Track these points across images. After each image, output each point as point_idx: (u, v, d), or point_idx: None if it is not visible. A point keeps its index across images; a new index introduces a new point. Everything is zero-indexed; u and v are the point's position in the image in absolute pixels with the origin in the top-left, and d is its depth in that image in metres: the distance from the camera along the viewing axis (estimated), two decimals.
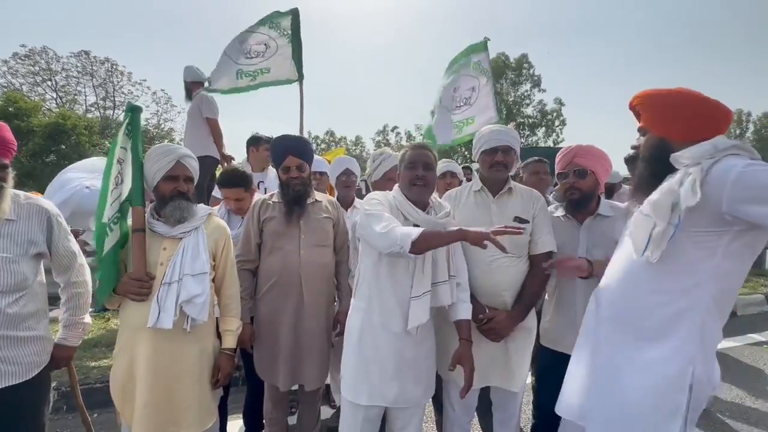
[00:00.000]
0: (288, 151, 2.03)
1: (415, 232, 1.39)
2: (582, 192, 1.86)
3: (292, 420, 2.43)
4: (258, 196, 2.26)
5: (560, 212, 1.99)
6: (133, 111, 1.70)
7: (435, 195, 1.76)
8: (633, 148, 1.44)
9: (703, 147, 1.16)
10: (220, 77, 4.22)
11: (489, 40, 4.31)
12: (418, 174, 1.62)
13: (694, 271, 1.17)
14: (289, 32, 4.03)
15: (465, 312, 1.66)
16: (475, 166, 2.92)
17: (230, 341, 1.79)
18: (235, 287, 1.84)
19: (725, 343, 3.94)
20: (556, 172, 1.99)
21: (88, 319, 1.77)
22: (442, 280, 1.60)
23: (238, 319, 1.84)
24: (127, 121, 1.69)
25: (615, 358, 1.29)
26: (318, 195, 2.17)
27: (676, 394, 1.17)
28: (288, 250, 1.98)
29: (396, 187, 1.73)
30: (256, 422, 2.33)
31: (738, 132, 43.08)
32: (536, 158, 2.89)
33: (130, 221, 1.67)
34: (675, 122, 1.28)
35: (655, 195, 1.22)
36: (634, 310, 1.27)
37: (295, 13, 4.06)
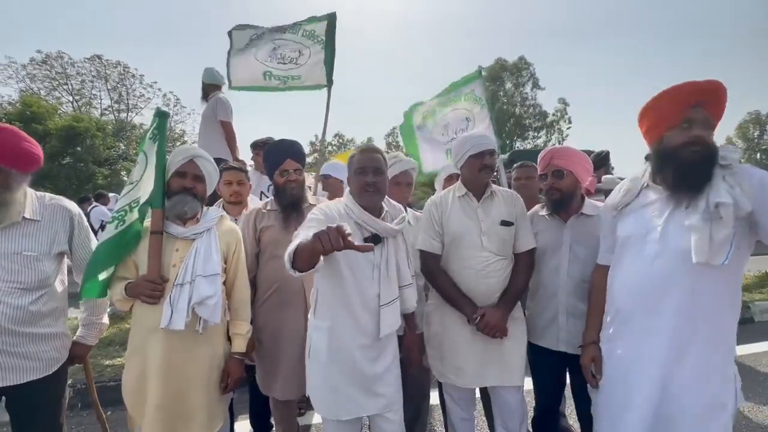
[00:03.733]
0: (287, 155, 2.04)
1: (291, 250, 1.29)
2: (561, 192, 1.91)
3: (302, 421, 2.43)
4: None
5: (545, 211, 2.02)
6: (161, 116, 1.74)
7: (387, 199, 1.73)
8: (694, 138, 1.27)
9: (737, 152, 1.26)
10: (242, 75, 3.94)
11: (482, 68, 4.24)
12: (368, 180, 1.56)
13: (737, 271, 1.29)
14: (324, 38, 3.80)
15: (411, 304, 1.76)
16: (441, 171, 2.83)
17: (240, 345, 1.79)
18: (246, 291, 1.85)
19: (742, 350, 3.84)
20: (538, 173, 2.05)
21: (105, 319, 1.81)
22: (406, 283, 1.61)
23: (248, 323, 1.84)
24: (154, 125, 1.73)
25: (689, 357, 1.29)
26: (312, 199, 2.16)
27: (731, 396, 1.30)
28: None
29: (347, 192, 1.68)
30: (263, 423, 2.34)
31: (757, 132, 42.17)
32: (520, 163, 2.80)
33: (146, 223, 1.69)
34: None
35: (720, 197, 1.20)
36: (706, 316, 1.27)
37: (331, 18, 3.80)
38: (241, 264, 1.84)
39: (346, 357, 1.56)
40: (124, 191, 1.71)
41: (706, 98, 1.29)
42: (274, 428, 2.33)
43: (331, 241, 1.10)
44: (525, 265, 1.89)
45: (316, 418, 2.73)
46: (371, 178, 1.56)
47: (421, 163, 4.03)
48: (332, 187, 2.99)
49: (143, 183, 1.71)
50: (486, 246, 1.83)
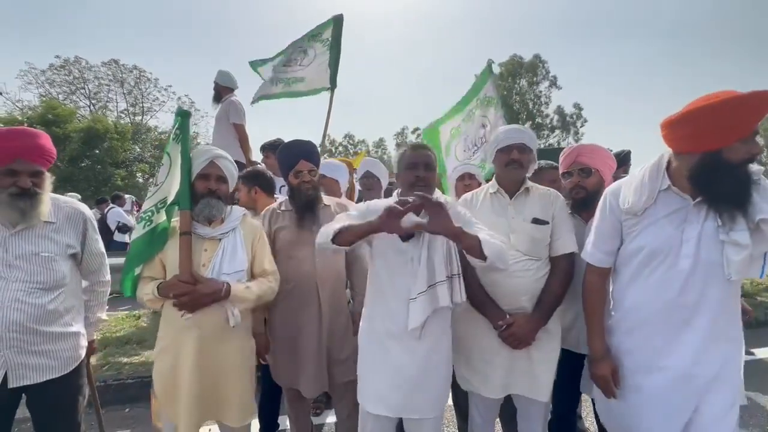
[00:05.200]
0: (300, 156, 2.03)
1: (339, 226, 1.48)
2: (587, 190, 1.88)
3: (317, 420, 2.43)
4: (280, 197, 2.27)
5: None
6: (183, 115, 1.75)
7: (438, 194, 1.70)
8: (757, 154, 1.24)
9: (759, 167, 1.27)
10: (260, 90, 4.25)
11: (493, 62, 4.07)
12: (419, 175, 1.58)
13: None
14: (330, 39, 3.79)
15: (444, 302, 1.52)
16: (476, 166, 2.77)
17: (239, 288, 1.69)
18: (272, 265, 1.84)
19: (763, 353, 3.73)
20: (561, 171, 1.99)
21: (105, 315, 1.90)
22: (439, 280, 1.52)
23: (262, 288, 1.76)
24: (176, 125, 1.74)
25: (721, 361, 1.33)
26: (326, 199, 2.16)
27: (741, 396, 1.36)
28: (302, 258, 1.97)
29: (397, 191, 1.68)
30: (271, 422, 2.35)
31: None
32: (551, 165, 2.63)
33: (173, 222, 1.72)
34: None
35: (764, 213, 1.21)
36: (729, 324, 1.34)
37: (338, 20, 3.77)
38: (267, 249, 1.86)
39: (378, 347, 1.58)
40: (150, 193, 1.76)
41: None
42: (281, 427, 2.33)
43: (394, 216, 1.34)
44: (561, 270, 1.74)
45: (330, 418, 2.73)
46: (422, 173, 1.59)
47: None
48: (327, 187, 2.97)
49: (168, 184, 1.74)
50: (513, 244, 1.73)
